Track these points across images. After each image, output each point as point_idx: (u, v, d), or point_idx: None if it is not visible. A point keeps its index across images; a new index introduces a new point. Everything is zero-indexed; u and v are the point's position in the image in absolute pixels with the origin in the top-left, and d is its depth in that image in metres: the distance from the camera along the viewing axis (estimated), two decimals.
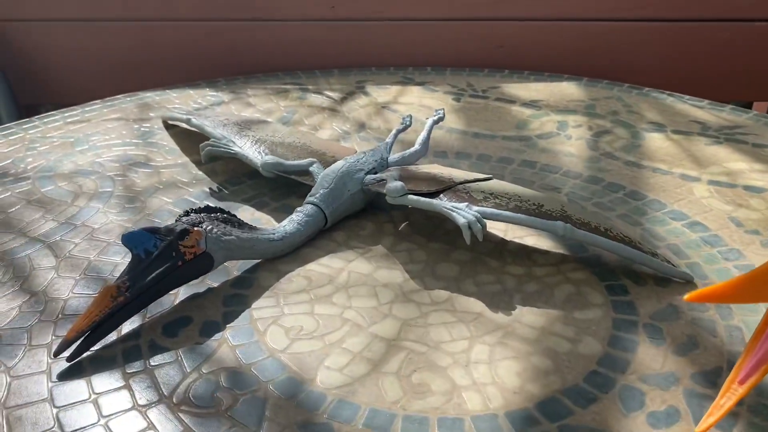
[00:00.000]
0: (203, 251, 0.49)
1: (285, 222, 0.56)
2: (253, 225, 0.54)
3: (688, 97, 0.89)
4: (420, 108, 0.86)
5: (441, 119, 0.72)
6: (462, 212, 0.53)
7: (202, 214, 0.51)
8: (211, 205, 0.53)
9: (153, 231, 0.47)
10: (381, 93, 0.91)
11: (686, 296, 0.32)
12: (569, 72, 0.99)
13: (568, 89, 0.92)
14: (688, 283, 0.52)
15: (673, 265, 0.53)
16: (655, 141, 0.76)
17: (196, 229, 0.49)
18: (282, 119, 0.82)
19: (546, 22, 1.02)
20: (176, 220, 0.50)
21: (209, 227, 0.50)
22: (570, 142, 0.76)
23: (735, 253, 0.56)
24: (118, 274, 0.53)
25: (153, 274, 0.46)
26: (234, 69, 1.02)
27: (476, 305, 0.50)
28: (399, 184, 0.56)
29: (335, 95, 0.90)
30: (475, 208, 0.54)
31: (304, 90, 0.92)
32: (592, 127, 0.80)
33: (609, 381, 0.43)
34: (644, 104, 0.87)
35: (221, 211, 0.53)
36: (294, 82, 0.95)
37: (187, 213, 0.51)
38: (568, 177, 0.69)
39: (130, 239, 0.46)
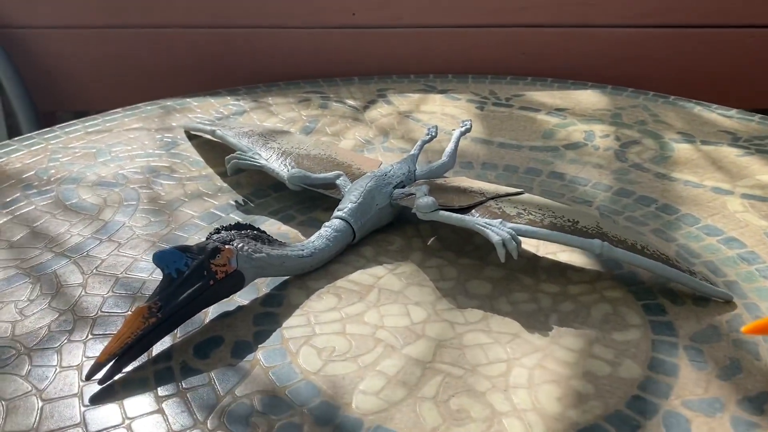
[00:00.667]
0: (234, 269, 0.48)
1: (314, 237, 0.55)
2: (283, 241, 0.53)
3: (715, 105, 0.87)
4: (443, 117, 0.85)
5: (468, 130, 0.71)
6: (496, 229, 0.52)
7: (232, 232, 0.50)
8: (240, 221, 0.53)
9: (184, 250, 0.46)
10: (403, 101, 0.90)
11: (744, 328, 0.31)
12: (593, 79, 0.98)
13: (593, 97, 0.91)
14: (728, 302, 0.51)
15: (712, 283, 0.52)
16: (685, 152, 0.75)
17: (227, 247, 0.48)
18: (305, 129, 0.81)
19: (569, 28, 1.01)
20: (207, 238, 0.49)
21: (240, 245, 0.49)
22: (598, 153, 0.75)
23: None
24: (145, 292, 0.52)
25: (184, 294, 0.45)
26: (254, 77, 1.01)
27: (512, 326, 0.49)
28: (430, 199, 0.55)
29: (357, 104, 0.89)
30: (509, 225, 0.53)
31: (325, 98, 0.91)
32: (620, 137, 0.79)
33: (652, 406, 0.42)
34: (671, 113, 0.85)
35: (251, 227, 0.52)
36: (315, 90, 0.94)
37: (217, 231, 0.50)
38: (598, 189, 0.68)
39: (161, 258, 0.45)
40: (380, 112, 0.87)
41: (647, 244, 0.54)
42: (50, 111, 1.09)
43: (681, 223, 0.61)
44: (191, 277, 0.46)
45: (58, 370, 0.44)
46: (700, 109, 0.86)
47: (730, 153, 0.74)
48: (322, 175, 0.63)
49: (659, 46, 1.01)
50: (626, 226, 0.61)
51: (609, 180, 0.69)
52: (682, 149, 0.76)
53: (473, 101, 0.90)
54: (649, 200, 0.65)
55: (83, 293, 0.52)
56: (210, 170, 0.71)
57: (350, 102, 0.90)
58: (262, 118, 0.84)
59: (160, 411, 0.41)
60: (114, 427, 0.40)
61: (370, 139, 0.79)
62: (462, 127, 0.70)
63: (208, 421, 0.41)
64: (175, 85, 1.03)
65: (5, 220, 0.61)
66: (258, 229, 0.52)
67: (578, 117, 0.85)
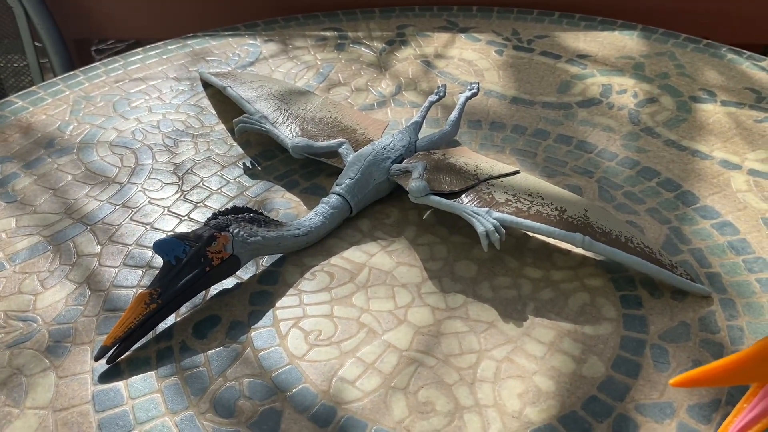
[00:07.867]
0: (230, 255, 0.52)
1: (311, 215, 0.58)
2: (279, 221, 0.56)
3: (748, 53, 0.83)
4: (459, 63, 0.84)
5: (474, 95, 0.70)
6: (482, 219, 0.54)
7: (229, 216, 0.54)
8: (238, 205, 0.55)
9: (182, 238, 0.50)
10: (421, 43, 0.88)
11: (672, 381, 0.33)
12: (625, 15, 0.93)
13: (620, 41, 0.87)
14: (705, 298, 0.53)
15: (692, 278, 0.53)
16: (701, 114, 0.73)
17: (223, 234, 0.51)
18: (319, 76, 0.82)
19: None
20: (205, 224, 0.53)
21: (236, 230, 0.52)
22: (611, 113, 0.74)
23: (760, 264, 0.55)
24: (153, 264, 0.56)
25: (183, 281, 0.50)
26: (275, 5, 1.00)
27: (489, 314, 0.52)
28: (422, 184, 0.56)
29: (374, 44, 0.88)
30: (496, 214, 0.54)
31: (343, 37, 0.90)
32: (638, 94, 0.77)
33: (606, 409, 0.45)
34: (699, 63, 0.82)
35: (248, 210, 0.55)
36: (334, 26, 0.93)
37: (215, 216, 0.53)
38: (603, 158, 0.67)
39: (161, 247, 0.49)
40: (397, 56, 0.86)
41: (632, 235, 0.55)
42: (82, 39, 1.10)
43: (679, 202, 0.62)
44: (189, 264, 0.50)
45: (73, 346, 0.50)
46: (730, 58, 0.83)
47: (749, 117, 0.72)
48: (325, 143, 0.64)
49: None
50: (622, 203, 0.62)
51: (616, 147, 0.69)
52: (699, 111, 0.74)
53: (493, 43, 0.88)
54: (651, 173, 0.65)
55: (97, 265, 0.57)
56: (222, 126, 0.73)
57: (367, 42, 0.89)
58: (278, 63, 0.85)
59: (160, 391, 0.47)
60: (119, 406, 0.46)
61: (382, 89, 0.79)
62: (468, 91, 0.70)
63: (200, 404, 0.46)
64: (197, 11, 1.03)
65: (30, 182, 0.66)
66: (255, 211, 0.55)
67: (599, 66, 0.82)
